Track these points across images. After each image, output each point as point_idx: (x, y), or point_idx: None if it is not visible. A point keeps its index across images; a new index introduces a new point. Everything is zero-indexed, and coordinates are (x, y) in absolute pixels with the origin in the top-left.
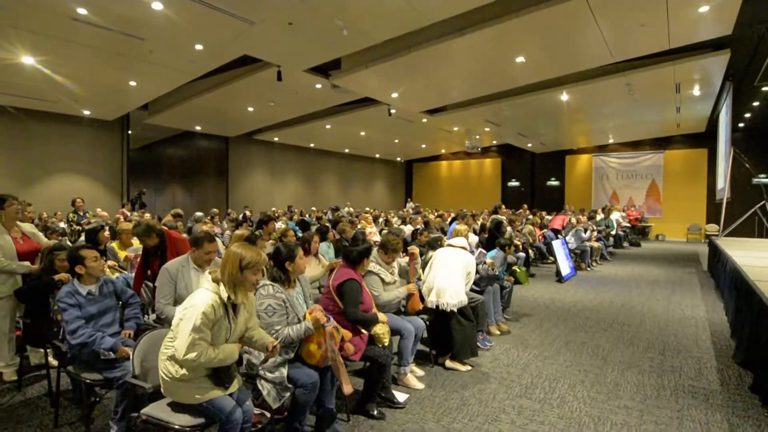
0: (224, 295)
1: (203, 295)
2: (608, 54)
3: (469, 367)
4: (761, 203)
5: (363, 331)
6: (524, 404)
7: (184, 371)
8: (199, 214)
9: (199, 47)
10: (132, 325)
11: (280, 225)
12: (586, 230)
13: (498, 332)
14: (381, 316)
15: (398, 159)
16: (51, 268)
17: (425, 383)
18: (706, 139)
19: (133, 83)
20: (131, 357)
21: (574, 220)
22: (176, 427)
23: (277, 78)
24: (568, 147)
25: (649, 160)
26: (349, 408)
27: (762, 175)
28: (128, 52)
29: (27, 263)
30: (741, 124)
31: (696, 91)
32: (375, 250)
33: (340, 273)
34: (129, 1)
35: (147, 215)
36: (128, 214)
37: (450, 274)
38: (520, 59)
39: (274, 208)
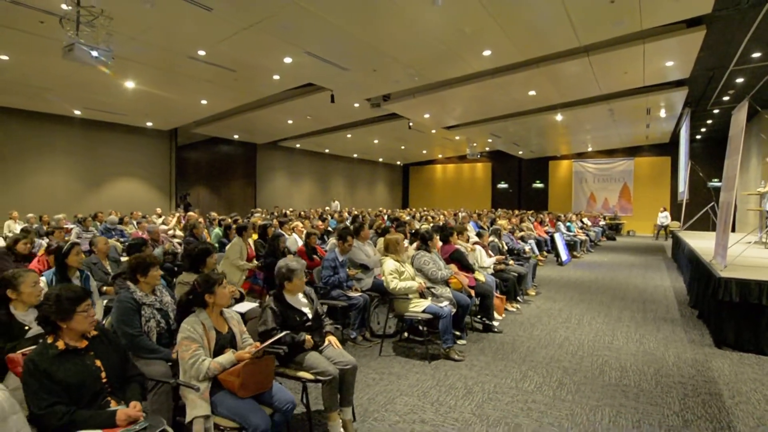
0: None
1: (388, 260)
2: (598, 89)
3: (518, 307)
4: (711, 204)
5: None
6: (568, 325)
7: (405, 295)
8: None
9: (276, 77)
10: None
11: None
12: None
13: (533, 293)
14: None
15: (398, 162)
16: (277, 247)
17: (503, 319)
18: (670, 148)
19: (204, 102)
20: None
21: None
22: (419, 317)
23: (330, 101)
24: (552, 154)
25: (622, 166)
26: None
27: (715, 180)
28: (215, 80)
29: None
30: (698, 137)
31: (662, 113)
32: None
33: (446, 248)
34: (260, 53)
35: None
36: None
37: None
38: (532, 93)
39: (291, 209)
